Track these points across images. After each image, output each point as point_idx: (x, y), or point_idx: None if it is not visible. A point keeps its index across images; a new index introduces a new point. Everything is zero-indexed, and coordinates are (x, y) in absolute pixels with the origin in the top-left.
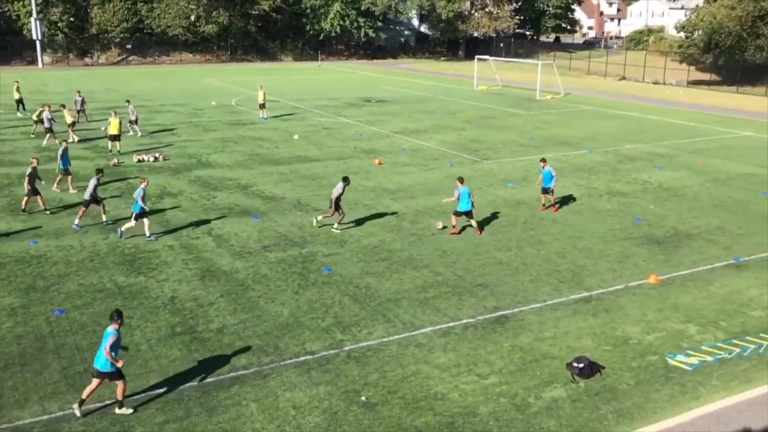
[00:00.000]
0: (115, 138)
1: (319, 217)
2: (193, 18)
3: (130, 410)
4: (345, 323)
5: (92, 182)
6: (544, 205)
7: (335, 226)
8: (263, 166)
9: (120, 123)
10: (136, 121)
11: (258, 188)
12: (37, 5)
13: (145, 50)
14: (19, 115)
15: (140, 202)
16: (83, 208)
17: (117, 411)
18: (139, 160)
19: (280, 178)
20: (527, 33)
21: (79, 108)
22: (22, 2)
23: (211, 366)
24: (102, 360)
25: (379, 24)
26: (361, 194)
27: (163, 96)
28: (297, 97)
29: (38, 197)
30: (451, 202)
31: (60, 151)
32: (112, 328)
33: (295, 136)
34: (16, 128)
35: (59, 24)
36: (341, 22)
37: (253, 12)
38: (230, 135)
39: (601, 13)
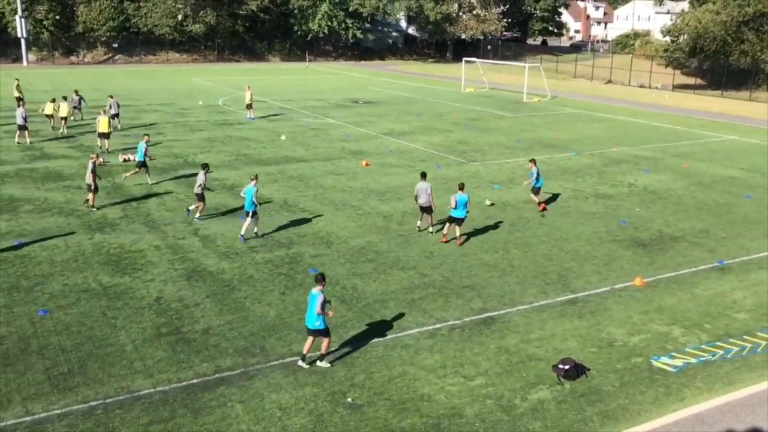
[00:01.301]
0: (105, 136)
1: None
2: (180, 17)
3: (328, 365)
4: (331, 324)
5: (201, 176)
6: (540, 203)
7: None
8: (250, 167)
9: (109, 121)
10: (117, 116)
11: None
12: (22, 3)
13: (132, 49)
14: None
15: (254, 200)
16: (200, 203)
17: (318, 363)
18: (124, 160)
19: (267, 178)
20: (515, 35)
21: (75, 105)
22: (6, 0)
23: (197, 367)
24: (313, 319)
25: (367, 25)
26: (348, 195)
27: (149, 95)
28: (284, 98)
29: (92, 194)
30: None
31: (140, 145)
32: (317, 290)
33: (283, 137)
34: (0, 127)
35: (45, 22)
36: (329, 23)
37: (241, 12)
38: (217, 135)
39: (588, 17)
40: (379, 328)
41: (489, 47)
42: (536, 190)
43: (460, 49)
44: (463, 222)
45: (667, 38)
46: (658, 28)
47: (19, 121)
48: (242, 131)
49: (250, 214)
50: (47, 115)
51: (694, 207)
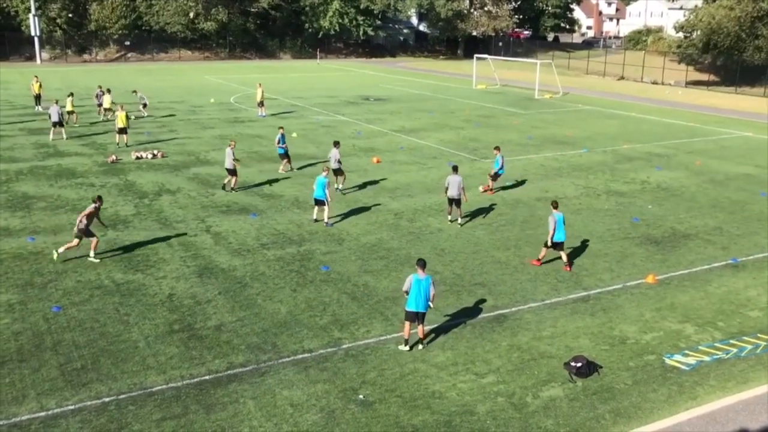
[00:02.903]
0: (123, 131)
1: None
2: (191, 15)
3: (406, 348)
4: (343, 321)
5: (334, 152)
6: (488, 185)
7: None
8: (261, 164)
9: (126, 116)
10: (145, 105)
11: (256, 186)
12: (35, 1)
13: (144, 47)
14: (39, 109)
15: (326, 191)
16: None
17: (420, 347)
18: (137, 157)
19: (279, 175)
20: (525, 32)
21: (98, 102)
22: None
23: (209, 363)
24: (424, 304)
25: (378, 22)
26: (359, 192)
27: (161, 93)
28: (296, 95)
29: (234, 177)
30: None
31: (277, 137)
32: (425, 274)
33: (294, 134)
34: (14, 124)
35: (58, 20)
36: (340, 20)
37: (252, 9)
38: (229, 132)
39: (600, 13)
40: (391, 325)
41: (500, 44)
42: (495, 176)
43: (471, 46)
44: (563, 245)
45: (680, 34)
46: (671, 24)
47: (54, 118)
48: (254, 129)
49: (324, 203)
50: (68, 112)
51: (707, 204)
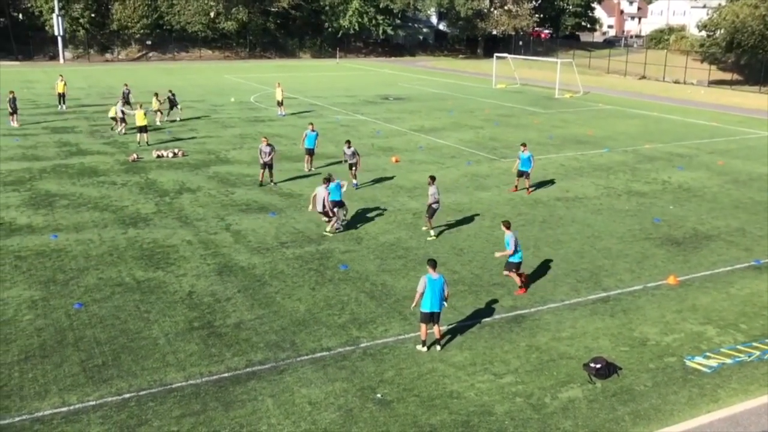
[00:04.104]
0: (143, 130)
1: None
2: (212, 15)
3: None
4: (361, 320)
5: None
6: (516, 187)
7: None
8: (281, 163)
9: (145, 114)
10: (176, 105)
11: (275, 184)
12: (59, 1)
13: (165, 46)
14: (63, 108)
15: (327, 202)
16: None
17: (438, 348)
18: (158, 156)
19: (298, 174)
20: (545, 31)
21: (125, 100)
22: None
23: (228, 361)
24: (439, 304)
25: (398, 21)
26: (377, 192)
27: (182, 92)
28: (315, 95)
29: (267, 170)
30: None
31: (304, 134)
32: (438, 274)
33: None
34: (38, 124)
35: (81, 20)
36: (359, 20)
37: (272, 9)
38: (249, 131)
39: (621, 12)
40: (409, 324)
41: (521, 43)
42: (521, 173)
43: (491, 45)
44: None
45: (703, 33)
46: (693, 23)
47: (119, 114)
48: (273, 128)
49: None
50: (154, 111)
51: (729, 205)
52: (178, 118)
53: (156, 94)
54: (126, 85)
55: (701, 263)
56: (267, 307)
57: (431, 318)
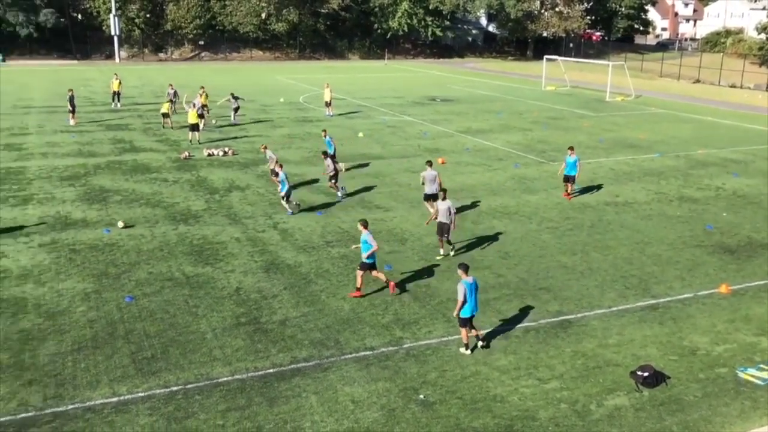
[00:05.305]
0: (194, 128)
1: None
2: (263, 16)
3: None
4: (405, 321)
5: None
6: (567, 192)
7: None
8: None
9: (197, 114)
10: (237, 109)
11: (322, 184)
12: (116, 2)
13: (217, 47)
14: (118, 106)
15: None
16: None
17: (480, 345)
18: (209, 154)
19: (345, 174)
20: (597, 33)
21: (172, 99)
22: None
23: (273, 357)
24: (473, 310)
25: (447, 23)
26: (423, 193)
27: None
28: (363, 96)
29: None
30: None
31: (327, 140)
32: (472, 278)
33: (360, 134)
34: (94, 121)
35: (136, 20)
36: (409, 21)
37: (323, 11)
38: (297, 131)
39: (676, 14)
40: (453, 326)
41: (571, 45)
42: (567, 178)
43: (541, 47)
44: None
45: (763, 35)
46: (752, 26)
47: (186, 108)
48: (321, 128)
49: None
50: (162, 114)
51: None
52: (234, 121)
53: (202, 87)
54: (171, 85)
55: (755, 272)
56: (312, 305)
57: (469, 321)
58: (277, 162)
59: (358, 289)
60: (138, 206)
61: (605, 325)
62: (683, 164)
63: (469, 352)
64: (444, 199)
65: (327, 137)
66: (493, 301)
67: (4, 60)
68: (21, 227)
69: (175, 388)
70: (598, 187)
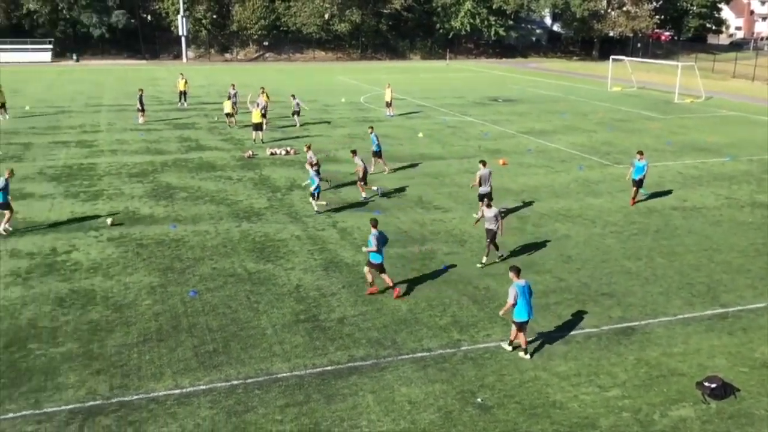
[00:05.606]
0: (258, 128)
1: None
2: (327, 16)
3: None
4: (463, 323)
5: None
6: (633, 199)
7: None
8: (388, 163)
9: (261, 114)
10: (297, 113)
11: (381, 184)
12: (184, 3)
13: (281, 47)
14: (184, 105)
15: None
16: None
17: (521, 354)
18: (271, 153)
19: (404, 174)
20: (666, 32)
21: (233, 100)
22: (170, 0)
23: (331, 354)
24: (529, 314)
25: (510, 22)
26: (477, 193)
27: (296, 92)
28: (423, 96)
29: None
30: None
31: (372, 136)
32: (523, 280)
33: (420, 134)
34: (161, 120)
35: (203, 21)
36: (471, 21)
37: (385, 11)
38: (358, 131)
39: (752, 12)
40: (510, 330)
41: (639, 45)
42: (638, 183)
43: (607, 47)
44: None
45: None
46: None
47: (250, 108)
48: (381, 128)
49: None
50: (226, 114)
51: None
52: (296, 125)
53: (262, 88)
54: (233, 85)
55: None
56: (370, 304)
57: (525, 325)
58: (312, 163)
59: (372, 285)
60: (203, 203)
61: (670, 333)
62: (756, 169)
63: (528, 356)
64: (489, 206)
65: (373, 134)
66: (554, 306)
67: (78, 60)
68: (96, 216)
69: (235, 382)
70: (666, 191)
